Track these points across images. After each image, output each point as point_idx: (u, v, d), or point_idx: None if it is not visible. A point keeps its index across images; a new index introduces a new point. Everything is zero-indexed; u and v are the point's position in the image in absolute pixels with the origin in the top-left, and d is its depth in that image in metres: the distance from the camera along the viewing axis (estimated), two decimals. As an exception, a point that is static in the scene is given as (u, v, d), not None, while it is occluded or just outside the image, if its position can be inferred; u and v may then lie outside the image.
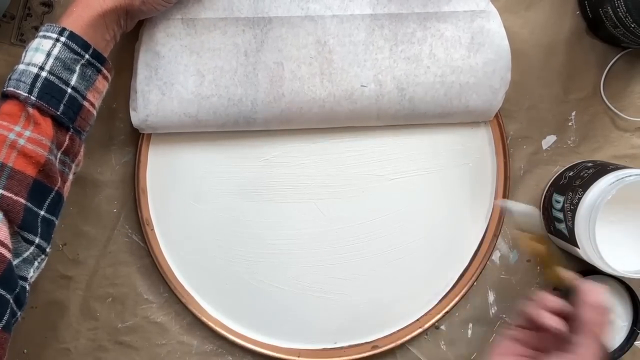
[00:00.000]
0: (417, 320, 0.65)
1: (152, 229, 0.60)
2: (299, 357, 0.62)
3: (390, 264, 0.64)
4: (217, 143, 0.60)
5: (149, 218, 0.60)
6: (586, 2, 0.63)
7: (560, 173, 0.65)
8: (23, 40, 0.56)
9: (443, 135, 0.63)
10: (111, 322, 0.61)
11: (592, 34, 0.64)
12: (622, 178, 0.56)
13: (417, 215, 0.64)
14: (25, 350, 0.61)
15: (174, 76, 0.56)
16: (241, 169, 0.61)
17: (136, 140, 0.59)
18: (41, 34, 0.48)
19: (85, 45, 0.48)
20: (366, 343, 0.64)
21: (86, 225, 0.59)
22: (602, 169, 0.60)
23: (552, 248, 0.53)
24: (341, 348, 0.63)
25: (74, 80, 0.48)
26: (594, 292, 0.49)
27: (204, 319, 0.61)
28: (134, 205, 0.60)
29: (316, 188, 0.62)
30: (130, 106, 0.57)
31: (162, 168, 0.59)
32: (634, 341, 0.67)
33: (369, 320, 0.64)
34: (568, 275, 0.51)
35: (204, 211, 0.60)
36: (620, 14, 0.58)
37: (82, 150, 0.51)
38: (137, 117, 0.56)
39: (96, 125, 0.57)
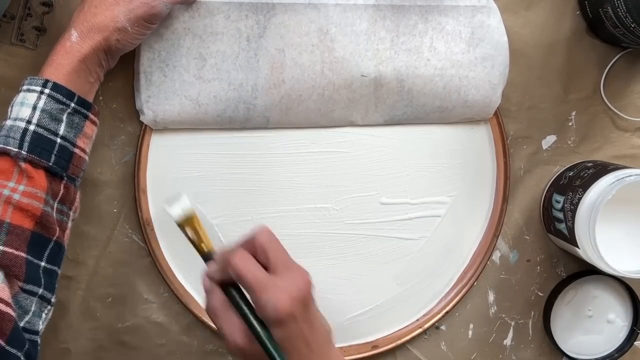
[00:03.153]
0: (417, 320, 0.65)
1: (152, 229, 0.60)
2: (299, 357, 0.62)
3: (390, 264, 0.64)
4: (217, 143, 0.60)
5: (149, 218, 0.60)
6: (586, 2, 0.63)
7: (560, 173, 0.65)
8: (23, 40, 0.56)
9: (443, 135, 0.63)
10: (111, 322, 0.61)
11: (592, 34, 0.64)
12: (622, 178, 0.56)
13: (417, 216, 0.64)
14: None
15: (176, 59, 0.56)
16: (241, 170, 0.60)
17: (136, 140, 0.59)
18: (25, 87, 0.48)
19: (70, 94, 0.48)
20: (366, 343, 0.64)
21: (86, 225, 0.59)
22: (602, 169, 0.60)
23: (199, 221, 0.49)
24: (341, 348, 0.63)
25: (62, 129, 0.48)
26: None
27: (204, 319, 0.61)
28: (134, 205, 0.60)
29: (316, 188, 0.62)
30: (134, 87, 0.57)
31: (162, 168, 0.59)
32: (634, 341, 0.67)
33: (369, 320, 0.64)
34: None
35: (203, 211, 0.60)
36: (620, 13, 0.58)
37: (77, 197, 0.51)
38: (140, 97, 0.56)
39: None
